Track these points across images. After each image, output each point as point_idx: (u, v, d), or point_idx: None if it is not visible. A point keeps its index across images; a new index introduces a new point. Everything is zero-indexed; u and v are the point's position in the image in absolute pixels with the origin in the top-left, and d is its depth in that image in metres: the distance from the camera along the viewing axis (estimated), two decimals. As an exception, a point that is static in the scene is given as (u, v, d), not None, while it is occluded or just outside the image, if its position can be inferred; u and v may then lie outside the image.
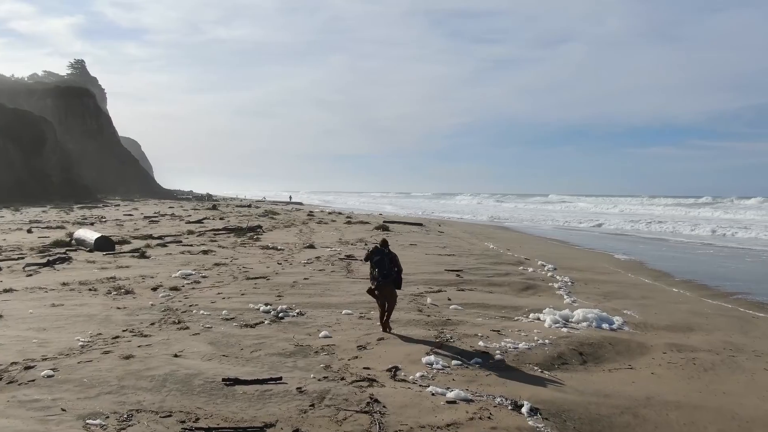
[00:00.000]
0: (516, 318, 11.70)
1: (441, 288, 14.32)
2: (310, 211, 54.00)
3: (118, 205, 59.02)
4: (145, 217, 38.22)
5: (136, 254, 18.32)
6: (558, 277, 17.43)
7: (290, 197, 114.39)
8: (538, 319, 11.67)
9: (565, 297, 14.55)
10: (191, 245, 21.59)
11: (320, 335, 9.58)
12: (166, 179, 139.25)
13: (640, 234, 40.28)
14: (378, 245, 10.34)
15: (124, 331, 9.52)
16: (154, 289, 13.07)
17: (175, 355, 8.22)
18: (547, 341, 9.78)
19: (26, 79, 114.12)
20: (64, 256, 17.34)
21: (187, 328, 9.80)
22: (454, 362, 8.45)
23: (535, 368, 8.57)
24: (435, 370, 8.07)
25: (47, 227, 28.68)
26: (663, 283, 18.44)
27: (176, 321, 10.20)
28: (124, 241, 22.28)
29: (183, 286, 13.50)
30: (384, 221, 39.33)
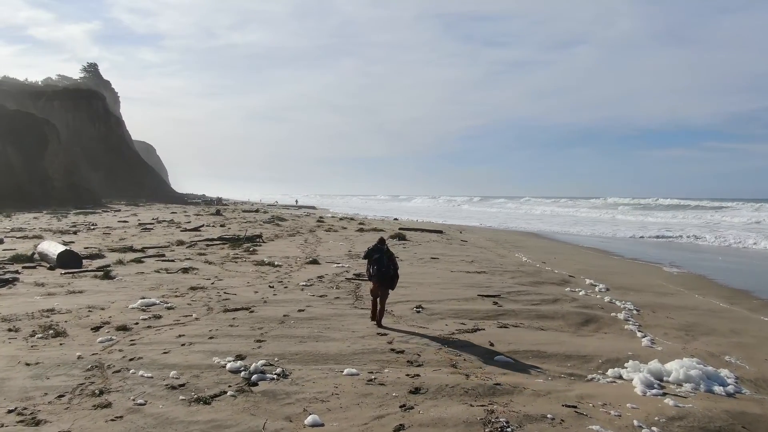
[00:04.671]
0: (590, 377, 8.28)
1: (477, 324, 10.85)
2: (320, 217, 50.74)
3: (119, 210, 56.04)
4: (140, 224, 35.11)
5: (99, 273, 15.09)
6: (617, 303, 14.01)
7: (296, 201, 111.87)
8: (621, 377, 8.29)
9: (638, 334, 11.19)
10: (173, 260, 18.32)
11: (306, 421, 6.21)
12: (181, 183, 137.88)
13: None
14: (377, 243, 10.76)
15: (9, 412, 6.25)
16: (97, 328, 9.77)
17: (60, 473, 4.96)
18: (654, 429, 6.35)
19: (39, 83, 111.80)
20: (8, 277, 14.14)
21: (109, 405, 6.48)
22: (521, 483, 5.08)
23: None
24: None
25: (24, 236, 25.65)
26: (742, 307, 15.03)
27: (98, 391, 6.87)
28: (97, 255, 19.13)
29: (137, 323, 10.19)
30: (400, 228, 36.07)
